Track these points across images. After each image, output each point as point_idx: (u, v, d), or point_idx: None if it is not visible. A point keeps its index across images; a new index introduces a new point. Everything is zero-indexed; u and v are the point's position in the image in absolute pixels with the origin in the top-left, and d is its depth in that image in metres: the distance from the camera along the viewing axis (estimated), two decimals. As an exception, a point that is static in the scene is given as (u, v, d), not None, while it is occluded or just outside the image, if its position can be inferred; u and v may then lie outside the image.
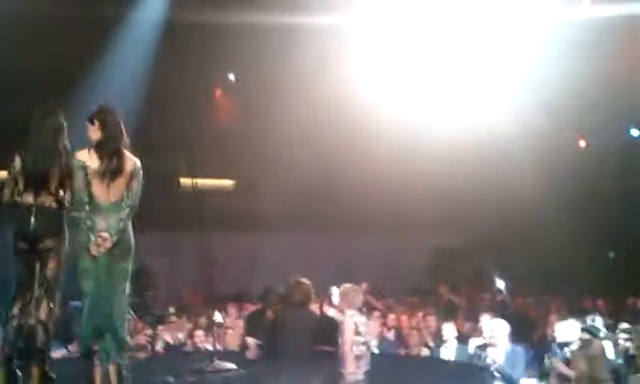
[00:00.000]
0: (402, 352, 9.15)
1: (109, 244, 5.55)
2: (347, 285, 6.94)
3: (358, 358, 6.52)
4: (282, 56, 10.44)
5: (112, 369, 5.57)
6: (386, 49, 10.68)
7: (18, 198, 5.68)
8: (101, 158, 5.65)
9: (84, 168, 5.64)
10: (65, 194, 5.69)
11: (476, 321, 9.04)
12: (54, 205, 5.69)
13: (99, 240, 5.53)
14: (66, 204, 5.69)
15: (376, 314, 9.89)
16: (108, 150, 5.64)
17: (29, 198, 5.66)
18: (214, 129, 11.78)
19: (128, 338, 5.76)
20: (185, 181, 9.45)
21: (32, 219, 5.66)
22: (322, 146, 11.60)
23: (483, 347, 7.83)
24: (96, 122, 5.64)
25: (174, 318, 9.77)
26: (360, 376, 6.49)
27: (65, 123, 5.76)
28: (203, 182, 8.58)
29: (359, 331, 6.57)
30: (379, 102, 10.97)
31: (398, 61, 10.79)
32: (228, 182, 13.45)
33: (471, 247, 13.14)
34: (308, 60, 10.38)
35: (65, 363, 6.62)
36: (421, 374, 7.44)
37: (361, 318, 6.69)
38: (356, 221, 12.64)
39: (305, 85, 10.53)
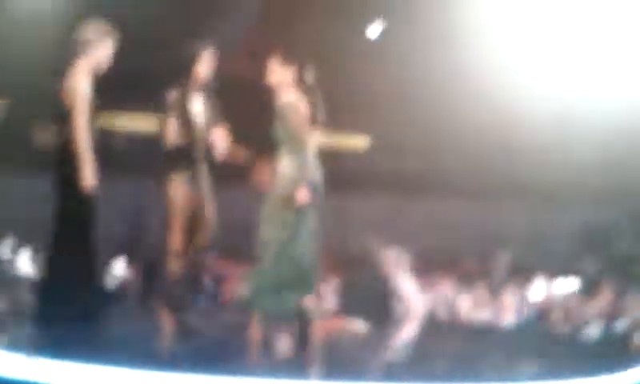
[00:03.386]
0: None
1: None
2: None
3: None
4: (433, 15, 10.06)
5: None
6: (541, 18, 10.22)
7: None
8: None
9: None
10: None
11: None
12: None
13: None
14: None
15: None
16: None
17: None
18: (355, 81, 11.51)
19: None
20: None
21: None
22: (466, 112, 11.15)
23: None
24: None
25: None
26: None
27: None
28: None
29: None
30: (531, 77, 10.49)
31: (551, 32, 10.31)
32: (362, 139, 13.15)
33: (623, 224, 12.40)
34: (459, 22, 9.99)
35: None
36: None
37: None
38: (501, 187, 12.12)
39: (452, 47, 10.10)
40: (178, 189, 6.14)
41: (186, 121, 6.13)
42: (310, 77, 5.57)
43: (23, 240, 8.88)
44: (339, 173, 7.05)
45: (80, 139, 5.84)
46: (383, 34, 11.50)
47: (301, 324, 5.52)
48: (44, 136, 9.00)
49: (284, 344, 6.11)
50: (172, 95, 6.19)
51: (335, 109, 6.59)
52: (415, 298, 7.92)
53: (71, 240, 5.82)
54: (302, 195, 5.37)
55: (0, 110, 9.54)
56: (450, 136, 11.42)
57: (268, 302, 5.44)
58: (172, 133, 6.15)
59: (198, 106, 6.23)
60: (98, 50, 5.98)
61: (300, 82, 5.51)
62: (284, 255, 5.39)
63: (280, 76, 5.49)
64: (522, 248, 11.02)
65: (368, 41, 11.82)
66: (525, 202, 12.23)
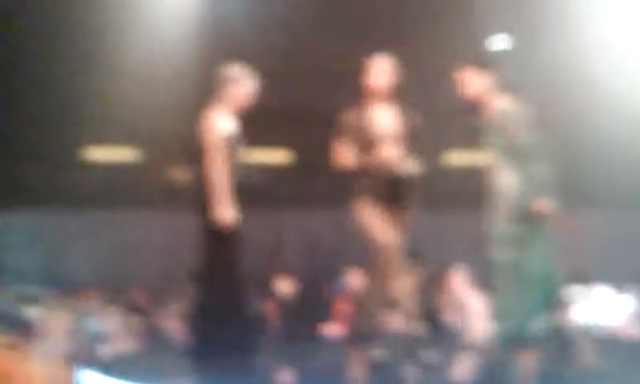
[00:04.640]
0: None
1: None
2: None
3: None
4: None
5: None
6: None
7: None
8: None
9: None
10: None
11: None
12: None
13: None
14: None
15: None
16: None
17: None
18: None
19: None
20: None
21: None
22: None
23: None
24: None
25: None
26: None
27: None
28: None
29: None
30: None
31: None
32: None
33: None
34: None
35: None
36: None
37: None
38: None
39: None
40: (366, 212, 5.84)
41: (365, 139, 5.80)
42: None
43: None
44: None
45: (216, 178, 5.93)
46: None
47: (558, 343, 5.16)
48: (182, 176, 9.28)
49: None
50: (346, 116, 5.88)
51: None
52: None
53: (218, 277, 5.92)
54: (543, 206, 4.83)
55: (138, 154, 9.87)
56: None
57: (519, 327, 4.90)
58: (347, 156, 5.88)
59: (382, 120, 5.86)
60: (238, 91, 6.06)
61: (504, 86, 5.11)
62: (523, 275, 4.89)
63: (478, 85, 5.07)
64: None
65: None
66: None
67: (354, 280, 7.83)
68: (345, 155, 5.71)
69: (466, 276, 6.87)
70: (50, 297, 8.51)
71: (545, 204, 4.90)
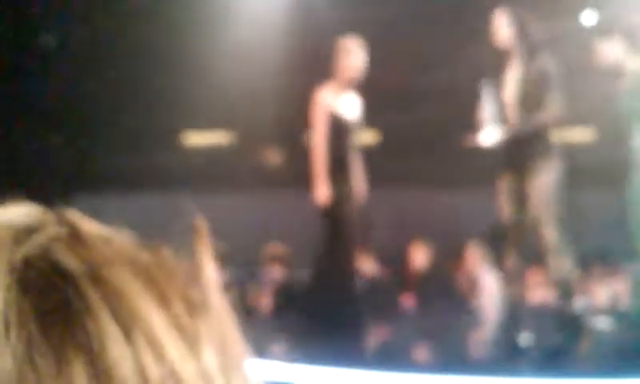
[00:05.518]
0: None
1: None
2: None
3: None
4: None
5: None
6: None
7: None
8: None
9: None
10: None
11: None
12: None
13: None
14: None
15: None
16: None
17: None
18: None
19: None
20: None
21: None
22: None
23: None
24: None
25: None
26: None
27: None
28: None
29: None
30: None
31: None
32: None
33: None
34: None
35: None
36: None
37: None
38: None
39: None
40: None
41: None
42: None
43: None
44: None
45: (317, 157, 6.03)
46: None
47: None
48: (280, 158, 9.41)
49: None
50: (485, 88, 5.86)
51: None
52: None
53: (330, 252, 6.04)
54: None
55: (231, 137, 10.02)
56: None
57: None
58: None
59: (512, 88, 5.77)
60: (350, 63, 6.11)
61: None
62: None
63: (616, 50, 5.02)
64: None
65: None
66: None
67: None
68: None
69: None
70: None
71: None
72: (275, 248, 8.47)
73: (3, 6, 8.83)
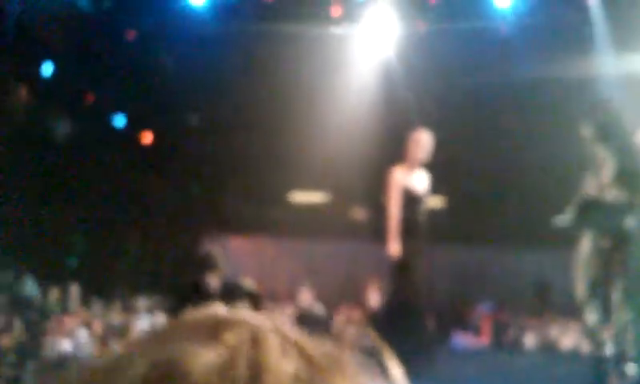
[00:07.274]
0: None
1: None
2: None
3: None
4: None
5: None
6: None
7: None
8: None
9: None
10: None
11: None
12: None
13: None
14: None
15: None
16: None
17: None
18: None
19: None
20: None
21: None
22: None
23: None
24: None
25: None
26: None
27: None
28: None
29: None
30: None
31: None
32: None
33: None
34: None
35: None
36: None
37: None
38: None
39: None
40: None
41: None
42: None
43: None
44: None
45: (391, 220, 7.56)
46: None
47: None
48: (365, 216, 11.31)
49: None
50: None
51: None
52: None
53: (401, 299, 7.66)
54: None
55: (330, 198, 11.86)
56: None
57: None
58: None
59: None
60: (419, 150, 7.55)
61: None
62: None
63: None
64: None
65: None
66: None
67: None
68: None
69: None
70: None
71: None
72: (351, 311, 9.93)
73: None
